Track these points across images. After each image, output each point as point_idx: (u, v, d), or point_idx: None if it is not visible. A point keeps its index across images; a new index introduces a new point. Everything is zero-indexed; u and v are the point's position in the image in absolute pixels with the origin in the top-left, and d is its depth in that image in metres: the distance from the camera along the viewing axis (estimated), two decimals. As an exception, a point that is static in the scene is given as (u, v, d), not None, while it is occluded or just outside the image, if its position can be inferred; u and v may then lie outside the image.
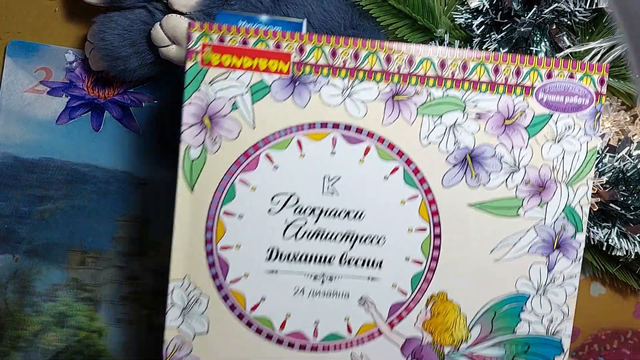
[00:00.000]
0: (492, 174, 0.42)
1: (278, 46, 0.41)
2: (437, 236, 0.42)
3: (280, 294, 0.42)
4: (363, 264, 0.42)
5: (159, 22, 0.47)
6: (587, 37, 0.51)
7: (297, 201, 0.41)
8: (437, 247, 0.42)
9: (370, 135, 0.42)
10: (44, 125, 0.54)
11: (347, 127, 0.41)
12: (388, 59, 0.41)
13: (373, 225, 0.42)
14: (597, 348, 0.56)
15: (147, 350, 0.55)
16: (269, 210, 0.41)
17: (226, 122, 0.41)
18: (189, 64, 0.40)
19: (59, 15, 0.55)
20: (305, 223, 0.42)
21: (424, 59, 0.41)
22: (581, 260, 0.43)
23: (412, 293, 0.42)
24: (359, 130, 0.42)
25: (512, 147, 0.42)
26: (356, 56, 0.41)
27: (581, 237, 0.43)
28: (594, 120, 0.42)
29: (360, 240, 0.42)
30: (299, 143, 0.41)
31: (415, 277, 0.42)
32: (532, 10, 0.49)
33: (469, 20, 0.50)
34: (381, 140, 0.42)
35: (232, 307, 0.42)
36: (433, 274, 0.42)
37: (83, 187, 0.55)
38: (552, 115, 0.42)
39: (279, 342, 0.42)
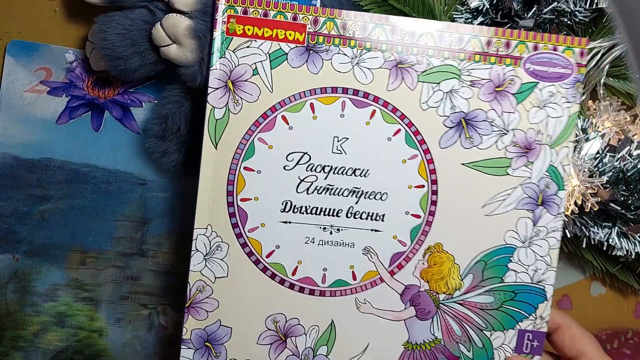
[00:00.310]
0: (484, 136, 0.46)
1: (295, 18, 0.45)
2: (435, 192, 0.46)
3: (292, 242, 0.46)
4: (367, 217, 0.46)
5: (159, 22, 0.47)
6: (587, 37, 0.51)
7: (310, 159, 0.46)
8: (434, 203, 0.46)
9: (376, 99, 0.46)
10: (44, 125, 0.54)
11: (355, 92, 0.46)
12: (393, 31, 0.45)
13: (377, 182, 0.46)
14: (597, 348, 0.56)
15: (147, 349, 0.55)
16: (284, 167, 0.46)
17: (247, 85, 0.46)
18: (215, 33, 0.45)
19: (59, 15, 0.55)
20: (316, 179, 0.46)
21: (425, 33, 0.46)
22: (563, 215, 0.46)
23: (411, 244, 0.46)
24: (366, 95, 0.46)
25: (502, 112, 0.46)
26: (364, 28, 0.45)
27: (562, 194, 0.46)
28: (575, 88, 0.46)
29: (365, 196, 0.46)
30: (312, 106, 0.46)
31: (414, 230, 0.46)
32: (532, 10, 0.49)
33: (469, 20, 0.50)
34: (385, 104, 0.46)
35: (250, 254, 0.46)
36: (430, 227, 0.46)
37: (83, 187, 0.54)
38: (537, 84, 0.46)
39: (291, 286, 0.46)
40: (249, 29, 0.45)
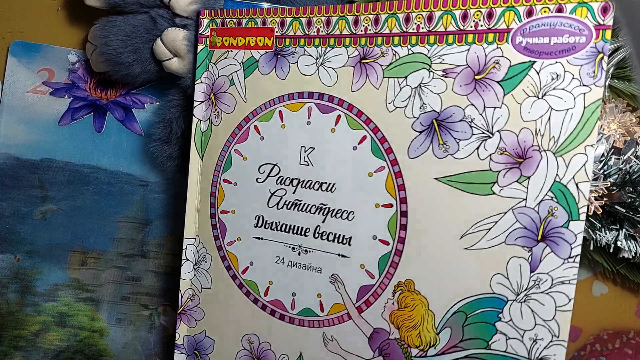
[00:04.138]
0: (461, 142, 0.34)
1: (264, 23, 0.42)
2: (404, 214, 0.37)
3: (264, 260, 0.42)
4: (334, 239, 0.39)
5: (159, 38, 0.46)
6: None
7: (279, 171, 0.41)
8: (404, 227, 0.36)
9: (340, 103, 0.39)
10: (46, 126, 0.53)
11: (320, 96, 0.40)
12: (356, 22, 0.38)
13: (343, 199, 0.39)
14: (599, 348, 0.56)
15: (148, 350, 0.55)
16: (257, 180, 0.42)
17: (226, 97, 0.44)
18: (199, 47, 0.44)
19: (62, 16, 0.54)
20: (285, 193, 0.41)
21: (389, 16, 0.37)
22: (578, 259, 0.32)
23: (379, 277, 0.38)
24: (331, 99, 0.39)
25: (485, 108, 0.34)
26: (328, 23, 0.39)
27: (577, 226, 0.32)
28: (594, 64, 0.31)
29: (332, 214, 0.39)
30: (280, 114, 0.41)
31: (382, 259, 0.37)
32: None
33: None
34: (350, 107, 0.38)
35: (228, 268, 0.43)
36: (400, 258, 0.37)
37: (85, 188, 0.54)
38: (533, 63, 0.33)
39: (263, 307, 0.42)
40: (226, 40, 0.43)
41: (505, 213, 0.33)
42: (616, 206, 0.49)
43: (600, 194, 0.49)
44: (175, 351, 0.45)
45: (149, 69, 0.49)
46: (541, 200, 0.33)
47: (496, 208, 0.34)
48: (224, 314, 0.43)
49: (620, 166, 0.49)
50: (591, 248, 0.51)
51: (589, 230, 0.51)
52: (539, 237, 0.33)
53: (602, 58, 0.31)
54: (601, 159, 0.49)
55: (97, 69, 0.52)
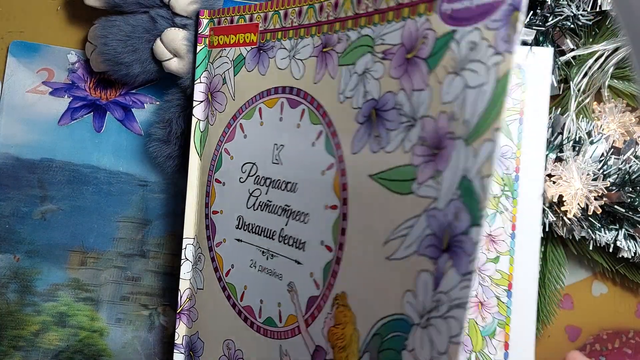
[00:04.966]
0: (391, 133, 0.30)
1: (251, 19, 0.41)
2: (345, 217, 0.33)
3: (242, 263, 0.40)
4: (293, 244, 0.36)
5: (159, 38, 0.46)
6: (591, 40, 0.50)
7: (257, 170, 0.39)
8: (344, 231, 0.32)
9: (305, 96, 0.36)
10: (45, 125, 0.53)
11: (290, 90, 0.38)
12: (321, 9, 0.36)
13: (301, 200, 0.35)
14: (598, 348, 0.56)
15: (147, 349, 0.55)
16: (240, 179, 0.41)
17: (219, 96, 0.43)
18: (199, 47, 0.44)
19: (61, 16, 0.54)
20: (260, 193, 0.39)
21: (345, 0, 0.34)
22: (473, 277, 0.25)
23: (322, 287, 0.34)
24: (298, 92, 0.37)
25: (412, 91, 0.30)
26: (300, 13, 0.37)
27: (477, 233, 0.25)
28: (509, 25, 0.26)
29: (292, 216, 0.36)
30: (260, 111, 0.40)
31: (326, 267, 0.34)
32: (535, 14, 0.48)
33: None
34: (312, 101, 0.36)
35: (216, 270, 0.43)
36: (339, 266, 0.33)
37: (84, 188, 0.54)
38: (454, 33, 0.28)
39: (239, 313, 0.40)
40: (221, 39, 0.43)
41: (419, 216, 0.28)
42: (616, 206, 0.49)
43: (599, 194, 0.48)
44: (175, 351, 0.45)
45: (148, 68, 0.49)
46: (450, 200, 0.27)
47: (413, 210, 0.29)
48: (211, 317, 0.42)
49: (620, 166, 0.49)
50: (590, 248, 0.51)
51: (589, 230, 0.51)
52: (444, 246, 0.27)
53: (517, 17, 0.25)
54: (600, 158, 0.49)
55: (96, 69, 0.52)
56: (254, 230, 0.39)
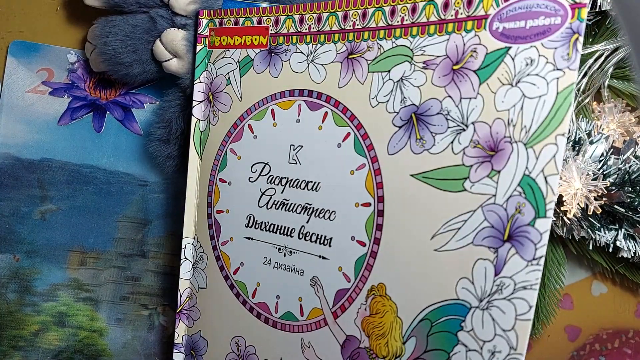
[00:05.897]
0: (437, 136, 0.33)
1: (260, 21, 0.42)
2: (380, 213, 0.35)
3: (253, 261, 0.41)
4: (316, 240, 0.38)
5: (159, 38, 0.46)
6: (591, 40, 0.50)
7: (270, 170, 0.41)
8: (380, 227, 0.35)
9: (327, 99, 0.38)
10: (45, 125, 0.53)
11: (310, 93, 0.39)
12: (345, 17, 0.37)
13: (326, 198, 0.37)
14: (598, 347, 0.56)
15: (147, 349, 0.55)
16: (249, 179, 0.42)
17: (223, 96, 0.43)
18: (198, 47, 0.44)
19: (61, 16, 0.54)
20: (275, 192, 0.40)
21: (376, 10, 0.36)
22: (542, 262, 0.29)
23: (355, 280, 0.36)
24: (319, 96, 0.38)
25: (460, 99, 0.32)
26: (319, 19, 0.39)
27: (543, 225, 0.29)
28: (569, 45, 0.29)
29: (315, 214, 0.38)
30: (272, 112, 0.41)
31: (358, 261, 0.36)
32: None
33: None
34: (336, 104, 0.37)
35: (222, 268, 0.43)
36: (375, 260, 0.35)
37: (84, 188, 0.54)
38: (508, 49, 0.31)
39: (251, 310, 0.41)
40: (224, 40, 0.43)
41: (475, 211, 0.31)
42: (615, 206, 0.49)
43: (599, 194, 0.48)
44: (175, 351, 0.45)
45: (148, 68, 0.49)
46: (510, 196, 0.30)
47: (466, 205, 0.31)
48: (217, 315, 0.43)
49: (620, 166, 0.49)
50: (590, 248, 0.51)
51: (589, 230, 0.51)
52: (505, 237, 0.30)
53: (577, 39, 0.29)
54: (600, 158, 0.49)
55: (96, 69, 0.52)
56: (267, 229, 0.40)
